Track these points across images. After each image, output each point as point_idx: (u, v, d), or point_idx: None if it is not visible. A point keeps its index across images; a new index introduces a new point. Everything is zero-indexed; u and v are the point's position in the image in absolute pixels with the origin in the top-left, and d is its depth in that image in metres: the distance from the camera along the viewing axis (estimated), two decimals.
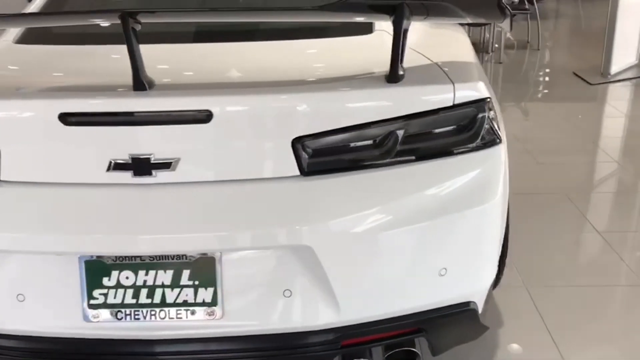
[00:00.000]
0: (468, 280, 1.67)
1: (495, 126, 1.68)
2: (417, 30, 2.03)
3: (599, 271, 2.76)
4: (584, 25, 9.96)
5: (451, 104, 1.59)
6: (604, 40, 6.02)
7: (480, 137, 1.63)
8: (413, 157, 1.57)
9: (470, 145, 1.62)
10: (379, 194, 1.54)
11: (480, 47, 7.81)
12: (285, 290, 1.53)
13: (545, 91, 6.02)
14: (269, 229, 1.47)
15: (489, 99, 1.66)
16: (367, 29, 1.93)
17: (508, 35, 8.89)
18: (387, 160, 1.56)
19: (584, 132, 4.63)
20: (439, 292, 1.62)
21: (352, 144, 1.55)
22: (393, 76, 1.55)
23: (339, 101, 1.54)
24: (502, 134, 2.11)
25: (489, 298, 1.81)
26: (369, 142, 1.56)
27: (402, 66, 1.58)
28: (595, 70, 6.16)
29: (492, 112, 1.67)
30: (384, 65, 1.57)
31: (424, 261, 1.58)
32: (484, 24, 6.89)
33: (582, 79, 6.06)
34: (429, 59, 1.74)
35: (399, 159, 1.56)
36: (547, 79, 6.54)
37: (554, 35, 9.23)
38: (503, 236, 1.93)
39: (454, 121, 1.61)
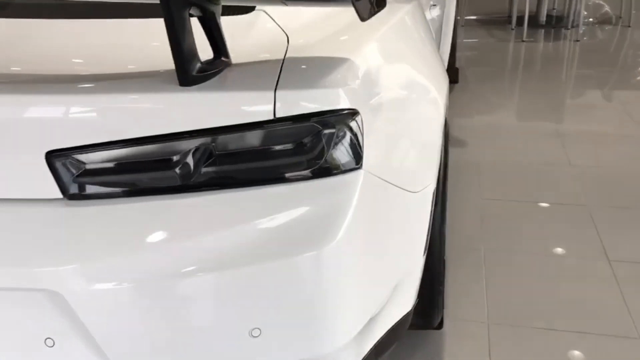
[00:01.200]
0: (303, 343, 1.29)
1: (351, 148, 1.27)
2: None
3: (590, 312, 2.24)
4: None
5: (271, 117, 1.20)
6: None
7: (320, 162, 1.23)
8: (214, 185, 1.21)
9: (303, 173, 1.23)
10: (162, 229, 1.18)
11: (564, 22, 7.01)
12: (47, 339, 1.23)
13: (615, 78, 5.22)
14: (8, 267, 1.17)
15: (345, 112, 1.25)
16: (244, 8, 1.55)
17: (606, 9, 7.97)
18: (179, 186, 1.20)
19: None
20: (252, 356, 1.27)
21: (132, 163, 1.20)
22: (181, 77, 1.17)
23: (109, 107, 1.18)
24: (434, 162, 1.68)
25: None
26: (156, 161, 1.20)
27: (214, 62, 1.21)
28: None
29: (348, 128, 1.26)
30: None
31: (222, 318, 1.22)
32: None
33: None
34: (285, 50, 1.34)
35: (195, 184, 1.20)
36: (624, 62, 5.69)
37: None
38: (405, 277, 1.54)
39: (278, 139, 1.22)
